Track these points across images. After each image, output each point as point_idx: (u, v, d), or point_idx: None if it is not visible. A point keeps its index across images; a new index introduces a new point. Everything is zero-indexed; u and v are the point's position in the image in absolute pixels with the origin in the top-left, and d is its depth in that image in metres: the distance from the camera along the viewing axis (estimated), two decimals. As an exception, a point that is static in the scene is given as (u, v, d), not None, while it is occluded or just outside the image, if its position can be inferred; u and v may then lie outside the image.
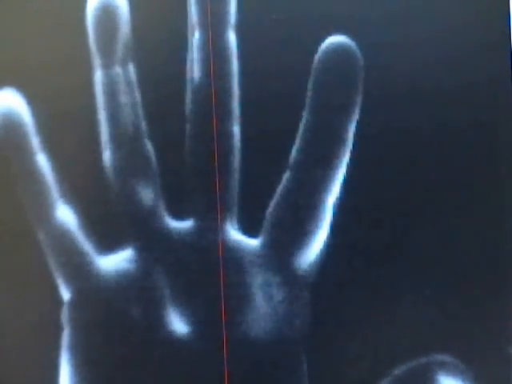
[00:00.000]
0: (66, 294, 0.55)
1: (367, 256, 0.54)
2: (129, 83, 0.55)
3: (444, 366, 0.54)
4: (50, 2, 0.56)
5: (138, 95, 0.55)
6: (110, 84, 0.55)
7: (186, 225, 0.55)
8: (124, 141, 0.55)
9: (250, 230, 0.55)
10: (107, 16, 0.55)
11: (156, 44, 0.55)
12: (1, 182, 0.56)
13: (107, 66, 0.55)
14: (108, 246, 0.55)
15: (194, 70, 0.55)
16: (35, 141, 0.56)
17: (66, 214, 0.55)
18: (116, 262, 0.55)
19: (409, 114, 0.54)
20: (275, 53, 0.54)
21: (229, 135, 0.55)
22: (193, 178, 0.55)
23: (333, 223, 0.54)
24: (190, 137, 0.55)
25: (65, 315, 0.55)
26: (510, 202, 0.54)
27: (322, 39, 0.54)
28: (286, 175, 0.54)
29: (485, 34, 0.54)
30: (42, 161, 0.56)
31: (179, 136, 0.55)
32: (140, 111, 0.55)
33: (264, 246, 0.54)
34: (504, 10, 0.53)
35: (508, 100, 0.53)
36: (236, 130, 0.55)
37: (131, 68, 0.55)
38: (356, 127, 0.54)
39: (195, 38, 0.55)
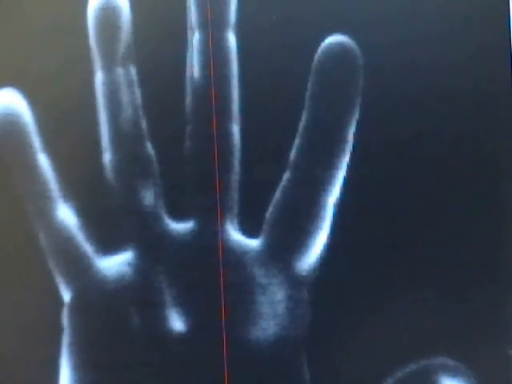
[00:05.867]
0: (66, 295, 0.55)
1: (367, 257, 0.54)
2: (129, 84, 0.55)
3: (445, 368, 0.54)
4: (51, 2, 0.56)
5: (138, 96, 0.55)
6: (111, 84, 0.55)
7: (186, 226, 0.55)
8: (124, 142, 0.55)
9: (250, 230, 0.55)
10: (108, 16, 0.55)
11: (156, 44, 0.55)
12: (1, 181, 0.56)
13: (108, 66, 0.55)
14: (108, 246, 0.55)
15: (194, 70, 0.55)
16: (36, 141, 0.56)
17: (66, 215, 0.55)
18: (116, 263, 0.55)
19: (408, 115, 0.54)
20: (275, 53, 0.54)
21: (229, 135, 0.55)
22: (193, 179, 0.55)
23: (333, 224, 0.54)
24: (190, 137, 0.55)
25: (65, 316, 0.55)
26: (509, 204, 0.53)
27: (322, 39, 0.54)
28: (286, 175, 0.54)
29: (485, 34, 0.53)
30: (43, 161, 0.56)
31: (179, 137, 0.55)
32: (140, 112, 0.55)
33: (264, 246, 0.54)
34: (504, 10, 0.53)
35: (508, 101, 0.53)
36: (236, 130, 0.55)
37: (132, 68, 0.55)
38: (356, 127, 0.54)
39: (195, 38, 0.55)
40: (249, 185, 0.55)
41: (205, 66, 0.55)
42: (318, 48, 0.54)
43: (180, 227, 0.55)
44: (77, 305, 0.55)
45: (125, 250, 0.55)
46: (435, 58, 0.53)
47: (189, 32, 0.55)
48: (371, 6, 0.54)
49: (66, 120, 0.56)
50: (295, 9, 0.54)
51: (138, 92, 0.55)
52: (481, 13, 0.54)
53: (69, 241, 0.55)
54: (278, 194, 0.54)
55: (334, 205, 0.54)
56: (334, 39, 0.54)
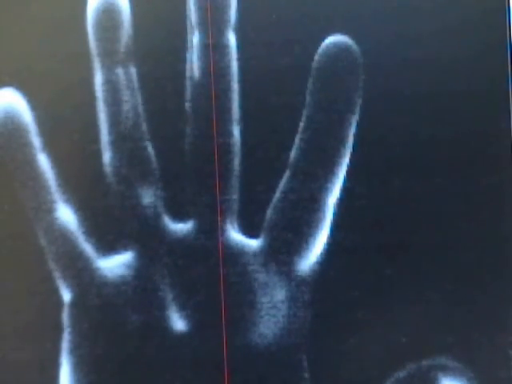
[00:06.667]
0: (66, 295, 0.55)
1: (367, 257, 0.54)
2: (129, 84, 0.55)
3: (445, 368, 0.53)
4: (52, 2, 0.56)
5: (138, 96, 0.55)
6: (111, 84, 0.55)
7: (186, 226, 0.55)
8: (124, 142, 0.55)
9: (250, 230, 0.55)
10: (108, 16, 0.55)
11: (156, 44, 0.55)
12: (1, 181, 0.56)
13: (108, 66, 0.55)
14: (108, 247, 0.55)
15: (194, 70, 0.55)
16: (36, 141, 0.56)
17: (66, 215, 0.55)
18: (116, 263, 0.55)
19: (409, 114, 0.54)
20: (275, 53, 0.54)
21: (229, 135, 0.55)
22: (193, 179, 0.55)
23: (333, 224, 0.54)
24: (190, 137, 0.55)
25: (65, 316, 0.55)
26: (509, 204, 0.53)
27: (322, 39, 0.54)
28: (286, 175, 0.54)
29: (484, 33, 0.53)
30: (43, 161, 0.56)
31: (179, 137, 0.55)
32: (140, 112, 0.55)
33: (264, 246, 0.54)
34: (503, 9, 0.53)
35: (506, 101, 0.53)
36: (236, 130, 0.55)
37: (132, 69, 0.55)
38: (356, 127, 0.54)
39: (195, 37, 0.55)
40: (249, 185, 0.55)
41: (205, 65, 0.55)
42: (318, 48, 0.54)
43: (180, 227, 0.55)
44: (77, 305, 0.55)
45: (125, 250, 0.55)
46: (435, 58, 0.53)
47: (189, 32, 0.55)
48: (371, 6, 0.54)
49: (66, 120, 0.56)
50: (295, 9, 0.54)
51: (138, 92, 0.55)
52: (480, 12, 0.53)
53: (69, 241, 0.55)
54: (277, 194, 0.54)
55: (335, 205, 0.54)
56: (334, 39, 0.54)
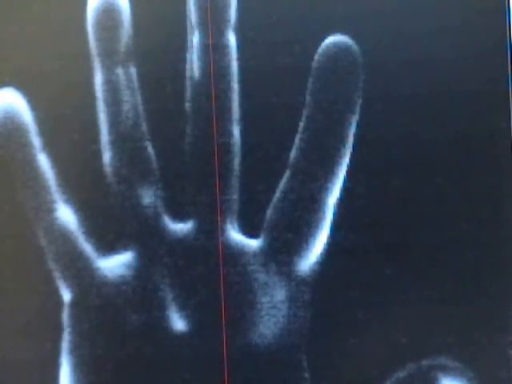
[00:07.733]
0: (66, 295, 0.55)
1: (367, 257, 0.54)
2: (129, 84, 0.55)
3: (445, 368, 0.53)
4: (51, 2, 0.56)
5: (138, 96, 0.55)
6: (111, 84, 0.55)
7: (186, 226, 0.55)
8: (124, 142, 0.55)
9: (250, 230, 0.55)
10: (108, 16, 0.55)
11: (156, 44, 0.55)
12: (1, 181, 0.56)
13: (108, 66, 0.55)
14: (108, 247, 0.55)
15: (194, 70, 0.55)
16: (36, 141, 0.56)
17: (66, 215, 0.55)
18: (116, 263, 0.55)
19: (409, 114, 0.54)
20: (275, 53, 0.54)
21: (229, 135, 0.55)
22: (193, 179, 0.55)
23: (333, 224, 0.54)
24: (190, 137, 0.55)
25: (65, 316, 0.55)
26: (509, 204, 0.53)
27: (322, 39, 0.54)
28: (286, 175, 0.54)
29: (484, 33, 0.53)
30: (43, 161, 0.56)
31: (179, 137, 0.55)
32: (140, 112, 0.55)
33: (264, 246, 0.54)
34: (503, 9, 0.53)
35: (506, 101, 0.53)
36: (236, 129, 0.55)
37: (132, 69, 0.55)
38: (356, 127, 0.54)
39: (195, 37, 0.55)
40: (249, 185, 0.55)
41: (205, 65, 0.55)
42: (318, 48, 0.54)
43: (180, 227, 0.55)
44: (77, 305, 0.55)
45: (125, 250, 0.55)
46: (435, 58, 0.53)
47: (189, 32, 0.55)
48: (371, 6, 0.54)
49: (66, 120, 0.56)
50: (295, 9, 0.54)
51: (137, 92, 0.55)
52: (480, 12, 0.53)
53: (69, 241, 0.55)
54: (277, 194, 0.54)
55: (334, 205, 0.54)
56: (334, 39, 0.54)
